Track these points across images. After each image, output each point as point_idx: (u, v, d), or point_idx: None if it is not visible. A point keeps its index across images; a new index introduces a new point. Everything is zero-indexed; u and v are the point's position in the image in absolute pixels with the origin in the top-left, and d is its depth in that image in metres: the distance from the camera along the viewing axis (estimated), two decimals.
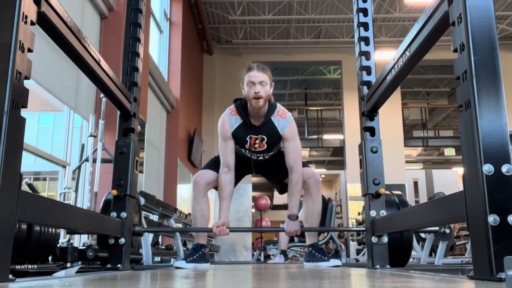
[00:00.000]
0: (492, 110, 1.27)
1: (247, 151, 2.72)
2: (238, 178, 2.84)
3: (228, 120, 2.66)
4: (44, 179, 10.36)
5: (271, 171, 2.90)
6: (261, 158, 2.75)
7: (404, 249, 2.62)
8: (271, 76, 2.64)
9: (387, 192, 2.57)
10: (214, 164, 2.77)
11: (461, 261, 5.25)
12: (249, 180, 11.46)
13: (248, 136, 2.65)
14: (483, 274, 1.21)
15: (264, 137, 2.65)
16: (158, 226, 4.73)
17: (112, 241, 2.37)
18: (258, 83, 2.53)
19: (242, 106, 2.65)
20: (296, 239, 6.09)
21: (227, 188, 2.66)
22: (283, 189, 2.87)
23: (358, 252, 8.67)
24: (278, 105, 2.71)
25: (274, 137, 2.66)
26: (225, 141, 2.65)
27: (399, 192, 2.70)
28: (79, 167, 4.79)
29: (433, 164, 16.59)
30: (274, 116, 2.65)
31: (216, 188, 2.77)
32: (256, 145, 2.67)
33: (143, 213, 4.23)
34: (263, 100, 2.55)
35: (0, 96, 1.22)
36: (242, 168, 2.83)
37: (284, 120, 2.65)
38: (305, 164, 2.79)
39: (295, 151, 2.65)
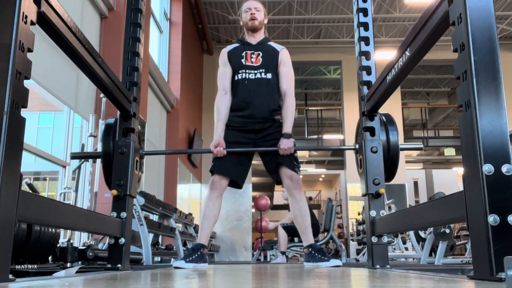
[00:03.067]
0: (492, 110, 1.27)
1: (245, 71, 2.82)
2: (246, 164, 2.85)
3: (227, 48, 2.97)
4: (44, 179, 10.36)
5: (269, 153, 2.87)
6: (258, 76, 2.82)
7: (392, 163, 2.62)
8: (266, 11, 3.00)
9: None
10: (221, 166, 2.77)
11: (461, 261, 5.25)
12: (249, 180, 11.46)
13: (244, 52, 2.87)
14: (483, 274, 1.21)
15: (260, 52, 2.87)
16: (158, 226, 4.73)
17: (112, 241, 2.36)
18: (254, 8, 2.91)
19: (240, 38, 3.00)
20: (296, 239, 6.09)
21: (224, 110, 2.82)
22: (273, 176, 2.88)
23: (358, 252, 8.67)
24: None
25: (271, 54, 2.87)
26: (223, 66, 2.90)
27: (387, 113, 2.69)
28: (79, 167, 4.79)
29: (433, 164, 16.60)
30: (270, 42, 2.96)
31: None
32: (253, 59, 2.85)
33: (143, 213, 4.23)
34: (258, 22, 2.89)
35: (0, 96, 1.22)
36: (242, 138, 2.82)
37: (280, 46, 2.95)
38: (294, 169, 2.78)
39: (290, 76, 2.88)
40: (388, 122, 2.62)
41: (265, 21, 2.96)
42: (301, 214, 2.80)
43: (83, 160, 4.73)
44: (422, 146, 2.98)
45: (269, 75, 2.83)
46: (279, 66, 2.86)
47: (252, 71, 2.83)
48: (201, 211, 2.86)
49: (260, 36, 2.93)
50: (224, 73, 2.88)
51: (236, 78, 2.85)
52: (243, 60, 2.84)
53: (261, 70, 2.82)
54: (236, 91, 2.85)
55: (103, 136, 2.58)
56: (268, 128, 2.82)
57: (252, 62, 2.84)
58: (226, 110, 2.82)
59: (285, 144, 2.71)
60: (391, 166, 2.58)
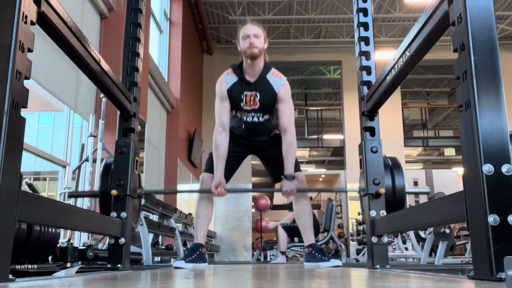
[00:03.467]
0: (492, 110, 1.27)
1: (242, 113, 2.75)
2: (236, 163, 2.89)
3: (224, 79, 2.76)
4: (44, 179, 10.36)
5: (270, 159, 2.92)
6: (255, 119, 2.76)
7: (398, 207, 2.61)
8: (266, 34, 2.75)
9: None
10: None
11: (461, 261, 5.25)
12: (249, 180, 11.46)
13: (243, 94, 2.71)
14: (483, 274, 1.21)
15: (258, 94, 2.70)
16: (158, 226, 4.73)
17: (112, 241, 2.36)
18: (253, 35, 2.65)
19: (238, 65, 2.76)
20: (296, 239, 6.09)
21: (223, 147, 2.71)
22: (276, 181, 2.91)
23: (358, 252, 8.67)
24: (273, 67, 2.79)
25: (268, 95, 2.71)
26: (221, 100, 2.73)
27: (393, 155, 2.69)
28: (79, 167, 4.79)
29: (433, 164, 16.59)
30: (269, 75, 2.73)
31: None
32: (251, 102, 2.71)
33: (143, 213, 4.23)
34: (258, 50, 2.64)
35: (0, 96, 1.22)
36: (240, 148, 2.87)
37: (280, 80, 2.73)
38: (298, 167, 2.80)
39: (289, 112, 2.73)
40: (394, 166, 2.60)
41: (266, 46, 2.74)
42: (304, 214, 2.81)
43: (83, 160, 4.73)
44: (428, 191, 2.98)
45: (266, 117, 2.77)
46: (278, 104, 2.72)
47: (250, 114, 2.75)
48: (194, 211, 2.87)
49: (259, 65, 2.71)
50: (222, 108, 2.73)
51: (234, 113, 2.78)
52: (242, 104, 2.72)
53: (258, 114, 2.75)
54: (233, 122, 2.82)
55: (102, 175, 2.55)
56: (267, 142, 2.89)
57: (250, 105, 2.71)
58: (225, 147, 2.72)
59: (288, 187, 2.69)
60: (398, 208, 2.57)
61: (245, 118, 2.76)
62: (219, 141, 2.71)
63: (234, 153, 2.84)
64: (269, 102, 2.72)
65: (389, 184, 2.51)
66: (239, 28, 2.73)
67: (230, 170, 2.83)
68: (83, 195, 3.73)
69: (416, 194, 2.81)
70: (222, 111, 2.72)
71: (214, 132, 2.73)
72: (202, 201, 2.81)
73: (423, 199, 12.68)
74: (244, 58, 2.70)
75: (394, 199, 2.52)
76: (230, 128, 2.80)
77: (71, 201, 4.34)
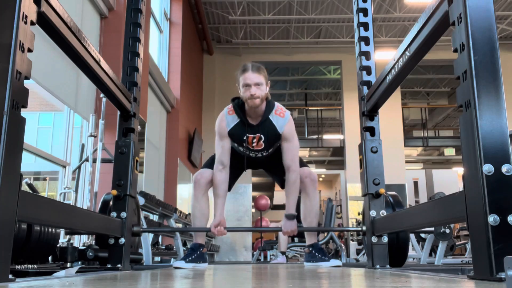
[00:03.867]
0: (492, 110, 1.27)
1: (245, 149, 2.71)
2: (235, 176, 2.85)
3: (225, 118, 2.66)
4: (44, 179, 10.36)
5: (271, 166, 2.91)
6: (259, 155, 2.75)
7: (401, 250, 2.61)
8: (267, 75, 2.63)
9: (383, 193, 2.56)
10: (214, 163, 2.78)
11: (461, 261, 5.25)
12: (249, 180, 11.46)
13: (245, 136, 2.64)
14: (483, 274, 1.21)
15: (262, 136, 2.64)
16: (158, 226, 4.73)
17: (112, 241, 2.36)
18: (254, 84, 2.53)
19: (239, 105, 2.65)
20: (296, 239, 6.09)
21: (222, 186, 2.65)
22: (283, 185, 2.88)
23: (358, 252, 8.67)
24: (277, 104, 2.70)
25: (273, 137, 2.65)
26: (221, 139, 2.65)
27: (394, 193, 2.68)
28: (79, 167, 4.79)
29: (433, 164, 16.59)
30: (272, 115, 2.64)
31: None
32: (254, 144, 2.66)
33: (143, 213, 4.23)
34: (259, 100, 2.55)
35: (0, 96, 1.22)
36: (240, 164, 2.82)
37: (283, 119, 2.64)
38: (303, 163, 2.79)
39: (293, 150, 2.65)
40: (396, 204, 2.60)
41: (268, 89, 2.62)
42: (311, 213, 2.78)
43: (83, 160, 4.73)
44: (432, 229, 2.95)
45: (271, 151, 2.75)
46: (282, 142, 2.67)
47: (253, 152, 2.73)
48: (191, 212, 2.84)
49: (261, 108, 2.61)
50: (222, 147, 2.65)
51: (236, 145, 2.74)
52: (244, 144, 2.67)
53: (263, 152, 2.73)
54: (237, 149, 2.78)
55: (99, 212, 2.57)
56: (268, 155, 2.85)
57: (253, 147, 2.68)
58: (225, 185, 2.67)
59: (289, 227, 2.67)
60: (402, 252, 2.56)
61: (249, 153, 2.74)
62: (218, 180, 2.65)
63: (235, 164, 2.77)
64: (274, 143, 2.69)
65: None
66: (239, 72, 2.59)
67: (233, 178, 2.81)
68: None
69: (421, 232, 2.77)
70: (222, 150, 2.65)
71: (214, 170, 2.67)
72: (197, 201, 2.75)
73: (423, 198, 12.69)
74: (246, 102, 2.59)
75: (398, 241, 2.52)
76: (234, 148, 2.76)
77: (71, 201, 4.34)
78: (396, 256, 2.56)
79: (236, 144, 2.72)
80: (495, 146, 1.25)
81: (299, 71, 14.64)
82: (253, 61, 2.73)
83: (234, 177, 2.83)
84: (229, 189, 2.78)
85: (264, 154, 2.74)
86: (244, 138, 2.64)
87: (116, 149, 2.50)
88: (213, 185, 2.69)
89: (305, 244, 2.90)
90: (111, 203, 2.50)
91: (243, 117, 2.63)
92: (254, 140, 2.65)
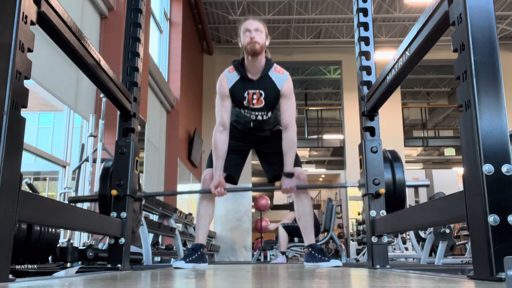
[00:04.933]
0: (492, 110, 1.27)
1: (246, 110, 2.72)
2: (239, 161, 2.86)
3: (226, 77, 2.70)
4: (44, 179, 10.37)
5: (269, 155, 2.89)
6: (259, 118, 2.74)
7: (399, 201, 2.61)
8: (267, 31, 2.69)
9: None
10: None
11: (461, 261, 5.25)
12: (249, 180, 11.46)
13: (246, 92, 2.66)
14: (483, 274, 1.21)
15: (262, 92, 2.66)
16: (158, 226, 4.73)
17: (112, 241, 2.36)
18: (254, 29, 2.58)
19: (239, 63, 2.70)
20: (296, 239, 6.08)
21: (222, 147, 2.68)
22: (272, 180, 2.88)
23: (358, 252, 8.67)
24: (275, 63, 2.75)
25: (272, 93, 2.67)
26: (222, 99, 2.68)
27: (392, 149, 2.69)
28: (79, 167, 4.79)
29: (433, 164, 16.59)
30: (271, 72, 2.68)
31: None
32: (254, 101, 2.68)
33: (143, 213, 4.23)
34: (259, 46, 2.58)
35: (0, 96, 1.22)
36: (243, 148, 2.85)
37: (282, 76, 2.68)
38: (298, 162, 2.78)
39: (291, 108, 2.70)
40: (394, 159, 2.60)
41: (267, 42, 2.67)
42: (305, 214, 2.80)
43: (83, 160, 4.73)
44: (428, 183, 2.98)
45: (270, 113, 2.75)
46: (280, 99, 2.69)
47: (254, 113, 2.73)
48: (196, 211, 2.86)
49: (261, 62, 2.65)
50: (223, 107, 2.68)
51: (237, 109, 2.76)
52: (245, 102, 2.68)
53: (262, 113, 2.73)
54: (236, 116, 2.80)
55: (101, 179, 2.54)
56: (268, 137, 2.86)
57: (254, 104, 2.67)
58: (225, 147, 2.69)
59: (287, 184, 2.68)
60: (399, 204, 2.57)
61: (249, 116, 2.74)
62: (219, 141, 2.68)
63: (237, 149, 2.81)
64: (273, 100, 2.70)
65: (389, 178, 2.52)
66: (241, 24, 2.67)
67: (235, 166, 2.80)
68: (83, 200, 3.74)
69: (416, 187, 2.81)
70: (223, 109, 2.68)
71: (214, 131, 2.70)
72: (204, 201, 2.78)
73: (423, 198, 12.69)
74: (246, 55, 2.64)
75: (395, 193, 2.53)
76: (232, 122, 2.78)
77: None
78: (394, 207, 2.57)
79: (237, 109, 2.74)
80: (495, 146, 1.25)
81: (299, 71, 14.65)
82: None
83: (238, 163, 2.84)
84: (236, 180, 2.80)
85: (264, 116, 2.74)
86: (245, 95, 2.66)
87: (116, 149, 2.50)
88: (213, 147, 2.71)
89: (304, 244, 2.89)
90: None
91: (243, 72, 2.66)
92: (255, 97, 2.66)
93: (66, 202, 4.19)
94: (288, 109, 2.68)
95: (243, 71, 2.67)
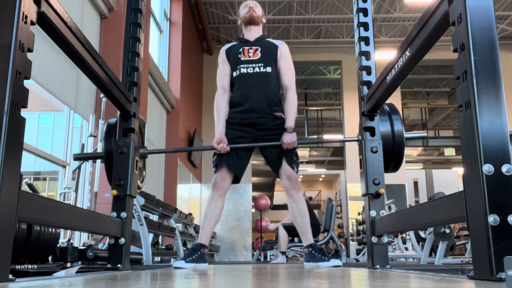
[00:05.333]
0: (492, 110, 1.27)
1: (242, 66, 2.80)
2: (244, 158, 2.82)
3: (225, 46, 2.97)
4: (44, 179, 10.37)
5: (270, 151, 2.85)
6: (256, 70, 2.79)
7: (397, 153, 2.61)
8: (263, 12, 2.99)
9: None
10: (227, 161, 2.76)
11: (461, 261, 5.25)
12: (249, 180, 11.46)
13: (241, 48, 2.86)
14: (483, 274, 1.21)
15: (258, 47, 2.85)
16: (158, 226, 4.73)
17: (112, 241, 2.36)
18: (252, 4, 2.91)
19: (239, 37, 2.98)
20: (296, 239, 6.09)
21: (224, 108, 2.82)
22: (277, 171, 2.85)
23: (358, 252, 8.68)
24: None
25: (269, 48, 2.86)
26: (222, 64, 2.89)
27: (390, 102, 2.68)
28: (79, 167, 4.79)
29: (433, 164, 16.60)
30: (268, 39, 2.95)
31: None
32: (250, 54, 2.83)
33: (143, 213, 4.23)
34: (256, 15, 2.88)
35: (0, 96, 1.22)
36: (242, 133, 2.81)
37: (279, 41, 2.93)
38: (292, 165, 2.78)
39: (290, 70, 2.87)
40: (392, 112, 2.61)
41: (264, 20, 2.96)
42: (300, 214, 2.79)
43: (83, 160, 4.72)
44: (425, 134, 3.01)
45: (268, 69, 2.81)
46: (279, 60, 2.84)
47: (251, 65, 2.81)
48: (203, 211, 2.85)
49: (258, 32, 2.91)
50: (222, 71, 2.87)
51: (234, 74, 2.84)
52: (240, 56, 2.82)
53: (260, 64, 2.81)
54: (235, 86, 2.85)
55: (105, 136, 2.58)
56: (269, 124, 2.79)
57: (250, 57, 2.82)
58: (226, 109, 2.82)
59: (288, 139, 2.70)
60: (397, 156, 2.58)
61: (246, 71, 2.81)
62: (220, 102, 2.83)
63: (238, 138, 2.76)
64: (270, 54, 2.84)
65: (388, 130, 2.54)
66: (240, 6, 2.97)
67: (238, 159, 2.76)
68: (88, 157, 3.74)
69: (415, 139, 2.80)
70: (222, 74, 2.87)
71: (216, 95, 2.86)
72: (212, 201, 2.75)
73: (423, 198, 12.68)
74: (244, 27, 2.92)
75: (394, 145, 2.53)
76: (232, 99, 2.82)
77: (71, 201, 4.34)
78: (393, 159, 2.57)
79: (235, 72, 2.82)
80: (495, 146, 1.25)
81: (299, 71, 14.65)
82: None
83: (242, 161, 2.80)
84: (239, 179, 2.80)
85: (261, 68, 2.80)
86: (240, 50, 2.85)
87: (116, 149, 2.50)
88: (215, 108, 2.85)
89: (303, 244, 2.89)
90: (117, 126, 2.53)
91: (241, 38, 2.93)
92: (250, 51, 2.84)
93: (66, 202, 4.19)
94: (287, 70, 2.85)
95: (240, 38, 2.93)
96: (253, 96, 2.78)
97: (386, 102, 2.61)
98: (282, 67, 2.84)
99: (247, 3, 2.93)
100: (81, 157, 3.78)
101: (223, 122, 2.79)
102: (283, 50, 2.86)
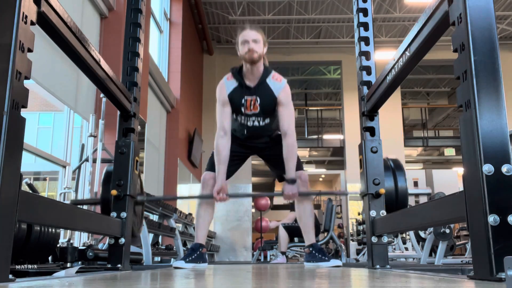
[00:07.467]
0: (492, 110, 1.27)
1: (243, 117, 2.75)
2: (236, 164, 2.89)
3: (225, 84, 2.76)
4: (44, 179, 10.37)
5: (273, 158, 2.92)
6: (256, 124, 2.77)
7: (401, 203, 2.61)
8: (265, 38, 2.74)
9: (384, 158, 2.58)
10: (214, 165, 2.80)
11: (461, 261, 5.25)
12: (249, 180, 11.46)
13: (244, 99, 2.71)
14: (483, 274, 1.21)
15: (258, 98, 2.70)
16: (158, 227, 4.73)
17: (112, 241, 2.36)
18: (252, 41, 2.64)
19: (237, 70, 2.76)
20: (296, 239, 6.09)
21: (224, 151, 2.72)
22: (281, 178, 2.90)
23: (358, 252, 8.67)
24: (273, 70, 2.79)
25: (269, 100, 2.70)
26: (222, 105, 2.74)
27: (395, 157, 2.69)
28: (79, 167, 4.79)
29: (433, 164, 16.59)
30: (269, 79, 2.72)
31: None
32: (252, 107, 2.72)
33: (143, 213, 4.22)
34: (257, 55, 2.63)
35: (0, 96, 1.22)
36: (243, 148, 2.88)
37: (279, 84, 2.73)
38: (300, 166, 2.80)
39: (290, 115, 2.73)
40: (396, 168, 2.61)
41: (265, 50, 2.73)
42: (305, 215, 2.81)
43: (83, 160, 4.73)
44: (430, 191, 2.99)
45: (267, 121, 2.77)
46: (278, 107, 2.72)
47: (251, 118, 2.76)
48: (196, 211, 2.87)
49: (259, 69, 2.70)
50: (223, 113, 2.74)
51: (234, 116, 2.79)
52: (243, 108, 2.73)
53: (259, 118, 2.75)
54: (235, 125, 2.83)
55: (103, 183, 2.56)
56: (268, 142, 2.89)
57: (251, 110, 2.73)
58: (227, 151, 2.72)
59: (289, 190, 2.69)
60: (401, 204, 2.57)
61: (246, 123, 2.77)
62: (220, 146, 2.71)
63: (236, 153, 2.84)
64: (269, 106, 2.72)
65: (391, 186, 2.51)
66: (238, 33, 2.72)
67: (230, 172, 2.82)
68: (85, 202, 3.75)
69: (418, 195, 2.81)
70: (223, 115, 2.73)
71: (216, 137, 2.73)
72: (204, 202, 2.81)
73: (423, 198, 12.68)
74: (244, 63, 2.70)
75: (397, 202, 2.52)
76: (232, 131, 2.81)
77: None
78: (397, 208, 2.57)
79: (234, 114, 2.77)
80: (495, 146, 1.25)
81: (299, 71, 14.65)
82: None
83: (234, 164, 2.86)
84: (228, 177, 2.81)
85: (260, 122, 2.76)
86: (243, 101, 2.71)
87: (116, 149, 2.50)
88: (215, 152, 2.75)
89: (305, 244, 2.90)
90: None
91: (241, 79, 2.72)
92: (252, 102, 2.72)
93: (66, 202, 4.19)
94: (286, 117, 2.71)
95: (240, 78, 2.73)
96: (253, 138, 2.87)
97: (391, 158, 2.63)
98: (281, 114, 2.72)
99: (245, 38, 2.66)
100: (79, 203, 3.75)
101: (224, 170, 2.70)
102: (282, 97, 2.71)
